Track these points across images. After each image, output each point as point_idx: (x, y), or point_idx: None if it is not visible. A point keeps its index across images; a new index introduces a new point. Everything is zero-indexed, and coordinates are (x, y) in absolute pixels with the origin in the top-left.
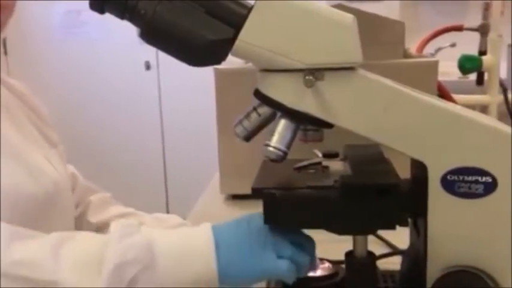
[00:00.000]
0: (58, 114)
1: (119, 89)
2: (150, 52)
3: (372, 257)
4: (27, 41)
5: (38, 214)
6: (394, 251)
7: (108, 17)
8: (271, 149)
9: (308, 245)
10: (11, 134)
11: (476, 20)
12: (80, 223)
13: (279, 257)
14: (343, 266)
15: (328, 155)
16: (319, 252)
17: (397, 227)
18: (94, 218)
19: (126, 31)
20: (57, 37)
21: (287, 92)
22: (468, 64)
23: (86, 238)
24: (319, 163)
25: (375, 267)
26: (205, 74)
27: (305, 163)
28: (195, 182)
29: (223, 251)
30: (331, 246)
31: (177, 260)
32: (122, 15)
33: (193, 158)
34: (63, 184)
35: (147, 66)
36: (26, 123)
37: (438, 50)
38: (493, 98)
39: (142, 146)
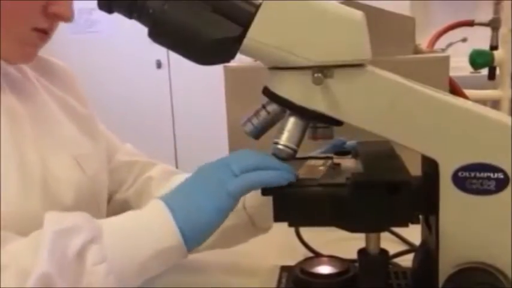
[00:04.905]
0: None
1: (130, 88)
2: (161, 51)
3: (384, 255)
4: None
5: None
6: (407, 250)
7: (120, 16)
8: (280, 147)
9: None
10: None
11: (487, 15)
12: (139, 200)
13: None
14: (354, 263)
15: (340, 153)
16: (332, 251)
17: (409, 223)
18: (158, 192)
19: (137, 30)
20: (69, 36)
21: (296, 89)
22: (479, 59)
23: None
24: (331, 158)
25: (387, 264)
26: (216, 72)
27: (316, 155)
28: None
29: (179, 213)
30: (343, 245)
31: (131, 229)
32: (129, 15)
33: (205, 155)
34: (91, 186)
35: (158, 65)
36: (56, 114)
37: (449, 45)
38: (505, 92)
39: (154, 143)
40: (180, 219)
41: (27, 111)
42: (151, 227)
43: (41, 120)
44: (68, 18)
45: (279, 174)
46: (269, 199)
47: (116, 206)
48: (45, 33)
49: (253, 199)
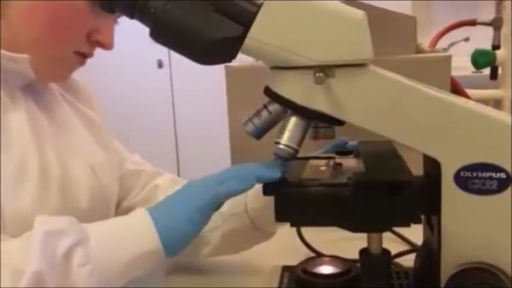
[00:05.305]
0: None
1: (132, 87)
2: (162, 51)
3: (386, 255)
4: None
5: None
6: (409, 250)
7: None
8: (281, 146)
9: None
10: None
11: (489, 15)
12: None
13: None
14: (356, 263)
15: (341, 153)
16: (334, 251)
17: (411, 223)
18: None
19: (138, 30)
20: None
21: (297, 89)
22: (481, 59)
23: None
24: (333, 158)
25: (389, 264)
26: (217, 72)
27: (318, 155)
28: None
29: (160, 222)
30: (345, 245)
31: (115, 233)
32: (131, 15)
33: (206, 155)
34: (104, 194)
35: (160, 65)
36: (74, 125)
37: (451, 44)
38: (507, 92)
39: (155, 143)
40: (160, 227)
41: (47, 120)
42: (134, 231)
43: (60, 130)
44: (109, 46)
45: (239, 182)
46: (272, 202)
47: (123, 213)
48: (84, 57)
49: (256, 201)
